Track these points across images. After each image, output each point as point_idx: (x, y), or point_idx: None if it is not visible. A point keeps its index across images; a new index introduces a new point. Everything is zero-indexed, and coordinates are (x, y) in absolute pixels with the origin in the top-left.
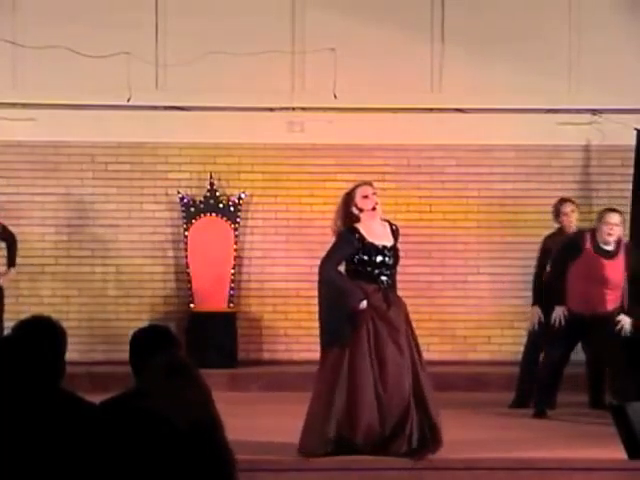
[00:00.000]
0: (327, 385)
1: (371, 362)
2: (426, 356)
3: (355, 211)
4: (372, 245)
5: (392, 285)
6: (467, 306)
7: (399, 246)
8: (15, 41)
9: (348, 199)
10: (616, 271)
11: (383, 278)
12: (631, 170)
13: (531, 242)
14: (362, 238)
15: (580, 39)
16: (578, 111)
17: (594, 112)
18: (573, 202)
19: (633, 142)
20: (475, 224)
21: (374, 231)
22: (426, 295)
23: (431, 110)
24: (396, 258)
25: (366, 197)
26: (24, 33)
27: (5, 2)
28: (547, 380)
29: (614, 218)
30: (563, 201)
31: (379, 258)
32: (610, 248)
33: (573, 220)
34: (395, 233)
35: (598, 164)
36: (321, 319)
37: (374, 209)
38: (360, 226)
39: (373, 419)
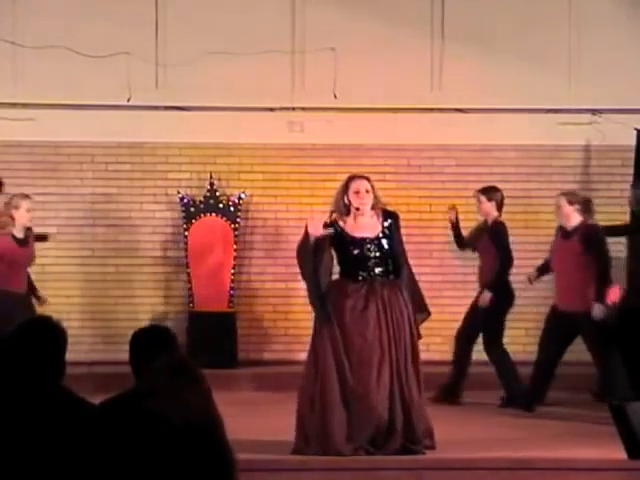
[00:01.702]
0: (305, 385)
1: (337, 365)
2: (426, 356)
3: (346, 202)
4: (349, 237)
5: (386, 275)
6: (467, 306)
7: (401, 233)
8: (15, 41)
9: (343, 189)
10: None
11: (366, 271)
12: (631, 170)
13: (531, 242)
14: (342, 231)
15: (580, 39)
16: (578, 111)
17: (594, 112)
18: (482, 193)
19: (633, 142)
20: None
21: (359, 224)
22: (426, 295)
23: (431, 110)
24: (389, 247)
25: (357, 193)
26: (24, 33)
27: (5, 2)
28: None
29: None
30: (475, 193)
31: (357, 251)
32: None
33: (481, 211)
34: (388, 220)
35: (598, 164)
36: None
37: (358, 209)
38: (344, 220)
39: (341, 421)
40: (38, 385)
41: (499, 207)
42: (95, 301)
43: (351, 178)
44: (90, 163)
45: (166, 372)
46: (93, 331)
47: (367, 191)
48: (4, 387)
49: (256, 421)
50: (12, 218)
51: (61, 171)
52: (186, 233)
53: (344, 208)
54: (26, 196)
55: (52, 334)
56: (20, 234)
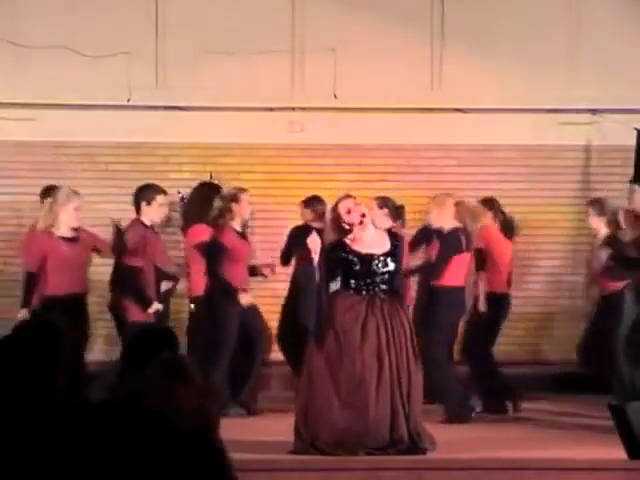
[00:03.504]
0: (299, 398)
1: (332, 378)
2: None
3: (345, 226)
4: (356, 253)
5: (389, 292)
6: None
7: (404, 253)
8: (15, 41)
9: (335, 217)
10: None
11: (371, 285)
12: (631, 170)
13: (531, 242)
14: (346, 247)
15: (581, 39)
16: (578, 111)
17: (594, 112)
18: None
19: (633, 142)
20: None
21: (363, 240)
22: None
23: (431, 110)
24: (394, 266)
25: (349, 212)
26: (24, 33)
27: (5, 2)
28: None
29: None
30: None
31: (363, 266)
32: None
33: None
34: (396, 241)
35: (598, 164)
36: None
37: (361, 222)
38: (349, 238)
39: (335, 434)
40: (37, 385)
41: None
42: (96, 301)
43: (337, 201)
44: (90, 163)
45: (161, 372)
46: (93, 331)
47: (356, 204)
48: (3, 387)
49: (256, 421)
50: (231, 211)
51: (61, 171)
52: None
53: (343, 232)
54: (244, 189)
55: (52, 334)
56: (239, 228)
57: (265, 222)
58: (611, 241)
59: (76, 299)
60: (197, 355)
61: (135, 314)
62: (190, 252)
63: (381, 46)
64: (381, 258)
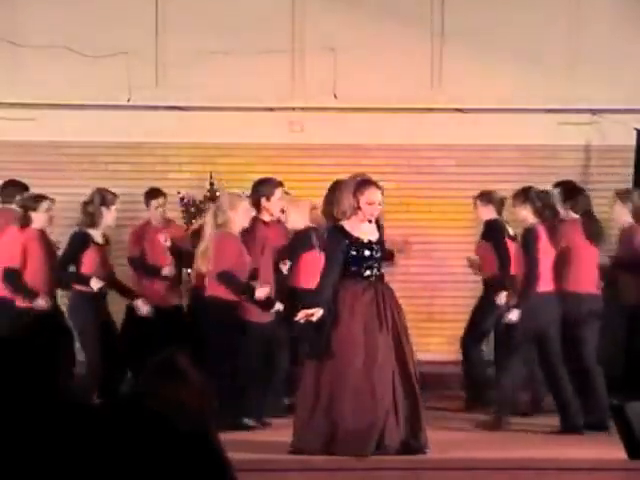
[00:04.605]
0: (311, 387)
1: (365, 364)
2: (426, 356)
3: (355, 206)
4: (359, 240)
5: (381, 276)
6: (467, 306)
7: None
8: (15, 41)
9: (354, 193)
10: None
11: (373, 272)
12: (631, 170)
13: None
14: (349, 234)
15: (581, 38)
16: (578, 111)
17: (594, 112)
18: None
19: (633, 142)
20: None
21: (360, 227)
22: (426, 295)
23: (431, 110)
24: (383, 251)
25: (371, 204)
26: (24, 33)
27: (5, 2)
28: None
29: None
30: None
31: (367, 252)
32: None
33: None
34: (380, 228)
35: (598, 164)
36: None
37: (370, 221)
38: (347, 223)
39: (360, 420)
40: (39, 385)
41: None
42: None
43: (364, 184)
44: (90, 163)
45: (160, 372)
46: None
47: (379, 204)
48: (5, 387)
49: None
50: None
51: (61, 171)
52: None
53: (352, 211)
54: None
55: (54, 334)
56: None
57: None
58: None
59: None
60: None
61: (255, 315)
62: None
63: (381, 46)
64: (377, 244)
